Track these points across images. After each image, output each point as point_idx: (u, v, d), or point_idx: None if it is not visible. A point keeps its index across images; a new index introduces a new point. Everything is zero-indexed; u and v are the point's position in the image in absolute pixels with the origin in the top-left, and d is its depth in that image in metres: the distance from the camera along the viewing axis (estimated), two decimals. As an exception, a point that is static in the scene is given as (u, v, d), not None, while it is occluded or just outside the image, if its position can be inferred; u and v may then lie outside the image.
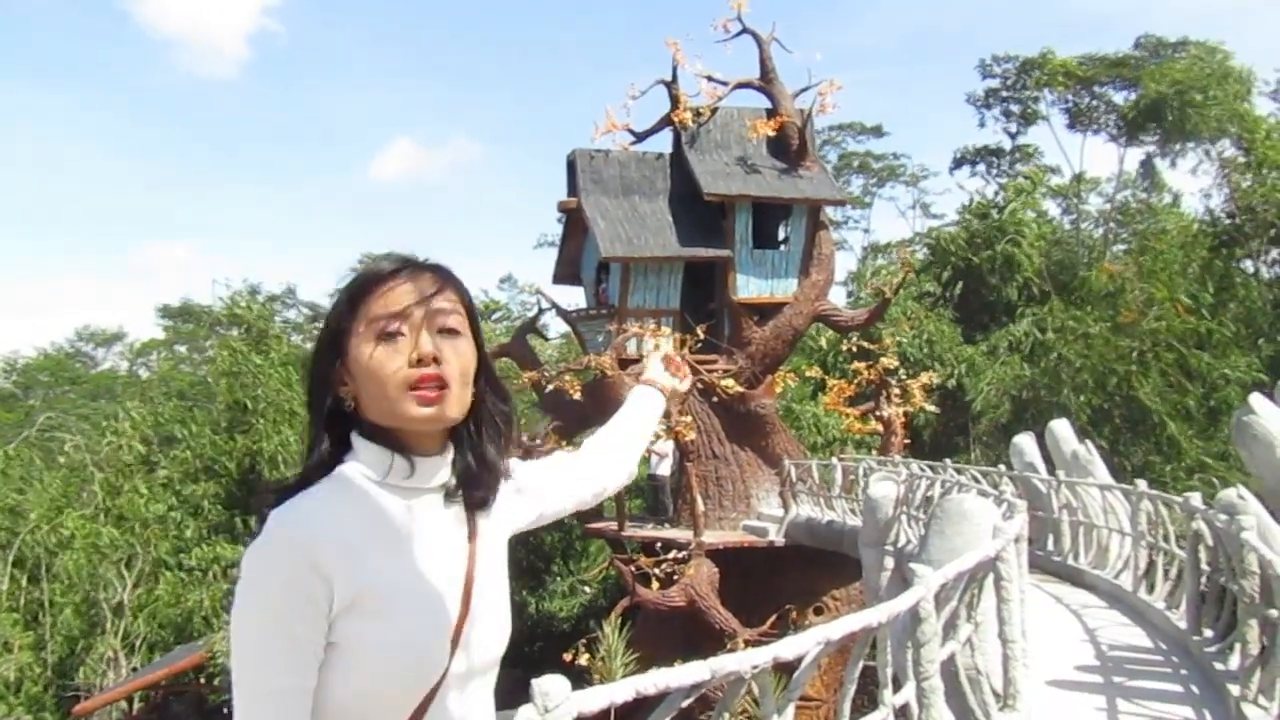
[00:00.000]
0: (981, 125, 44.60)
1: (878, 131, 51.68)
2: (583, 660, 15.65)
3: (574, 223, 21.09)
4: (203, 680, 19.88)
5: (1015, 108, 42.76)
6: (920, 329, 29.03)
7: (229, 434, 27.08)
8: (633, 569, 16.16)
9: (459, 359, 1.46)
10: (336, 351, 1.45)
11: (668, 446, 18.81)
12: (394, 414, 1.42)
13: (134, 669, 23.39)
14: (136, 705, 22.29)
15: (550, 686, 2.62)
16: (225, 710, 18.25)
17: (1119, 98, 41.44)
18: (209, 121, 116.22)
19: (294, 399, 29.23)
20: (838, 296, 40.86)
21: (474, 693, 1.50)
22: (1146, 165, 38.88)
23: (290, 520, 1.37)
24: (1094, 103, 41.98)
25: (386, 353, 1.41)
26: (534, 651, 22.35)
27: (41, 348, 57.26)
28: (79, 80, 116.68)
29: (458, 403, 1.45)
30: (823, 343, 29.66)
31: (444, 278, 1.50)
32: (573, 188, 20.63)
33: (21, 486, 27.26)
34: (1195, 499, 8.59)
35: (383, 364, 1.41)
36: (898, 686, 4.35)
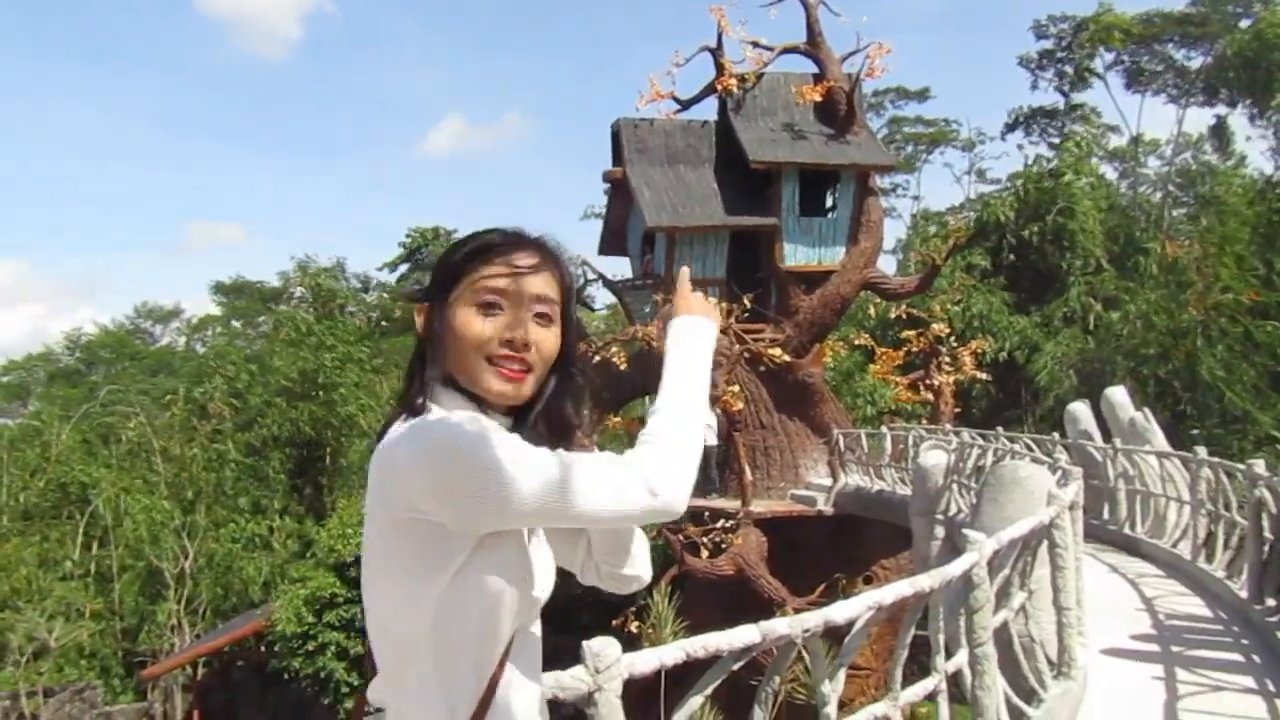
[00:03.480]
0: (1034, 88, 43.60)
1: (923, 96, 50.62)
2: (632, 628, 15.79)
3: (619, 193, 21.01)
4: (263, 647, 20.40)
5: (1069, 69, 41.64)
6: (967, 303, 28.49)
7: (289, 407, 27.59)
8: (681, 538, 16.21)
9: (545, 346, 1.51)
10: (443, 301, 1.51)
11: (711, 417, 18.79)
12: (471, 378, 1.48)
13: (197, 635, 24.11)
14: (200, 670, 22.97)
15: (601, 648, 2.64)
16: (285, 676, 18.73)
17: (1180, 55, 40.18)
18: (263, 101, 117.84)
19: (356, 370, 29.72)
20: (886, 265, 40.43)
21: (537, 631, 1.59)
22: (1218, 127, 37.51)
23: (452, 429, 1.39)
24: (1153, 62, 40.73)
25: (482, 321, 1.47)
26: (584, 620, 22.57)
27: (102, 324, 58.91)
28: (136, 62, 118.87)
29: (533, 385, 1.52)
30: (871, 311, 29.28)
31: (551, 261, 1.55)
32: (618, 157, 20.53)
33: (88, 460, 28.11)
34: (1259, 466, 8.37)
35: (476, 331, 1.47)
36: (950, 654, 4.31)
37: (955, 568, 3.93)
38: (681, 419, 1.50)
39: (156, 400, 37.97)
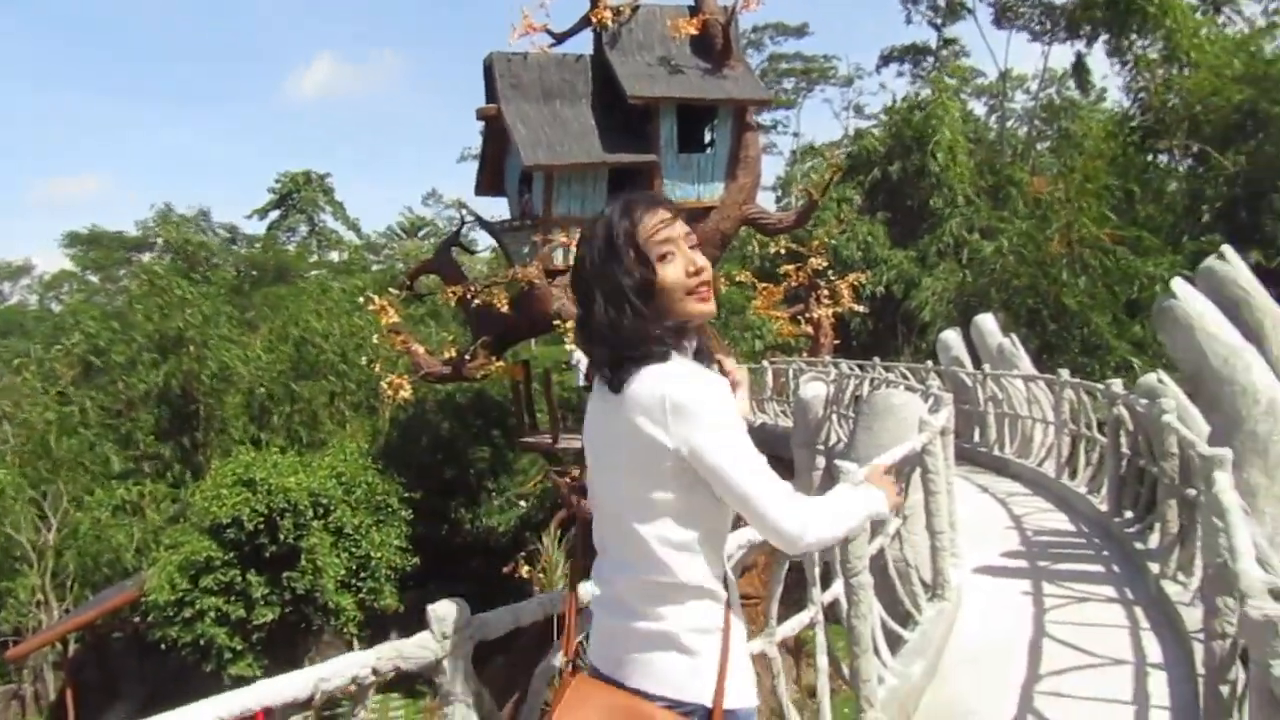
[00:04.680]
0: (908, 22, 44.22)
1: (801, 31, 50.85)
2: (523, 572, 15.70)
3: (495, 131, 20.30)
4: (138, 618, 19.49)
5: (941, 2, 42.36)
6: (853, 231, 28.92)
7: (156, 362, 26.16)
8: (568, 480, 16.11)
9: (708, 266, 1.92)
10: (643, 265, 1.86)
11: (578, 355, 18.67)
12: (681, 312, 1.87)
13: (66, 610, 22.88)
14: (73, 646, 21.82)
15: (447, 612, 2.43)
16: (164, 647, 17.96)
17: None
18: (117, 44, 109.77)
19: (226, 323, 28.40)
20: (767, 201, 40.54)
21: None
22: (1078, 64, 38.81)
23: (696, 373, 1.84)
24: (1020, -1, 41.73)
25: (669, 268, 1.86)
26: (474, 565, 22.34)
27: (-58, 283, 54.64)
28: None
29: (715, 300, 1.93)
30: (754, 247, 29.44)
31: (674, 209, 1.95)
32: (492, 94, 19.79)
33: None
34: (1116, 385, 8.71)
35: (670, 276, 1.86)
36: (826, 585, 4.27)
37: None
38: (841, 512, 1.95)
39: (7, 364, 35.51)
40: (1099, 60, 47.75)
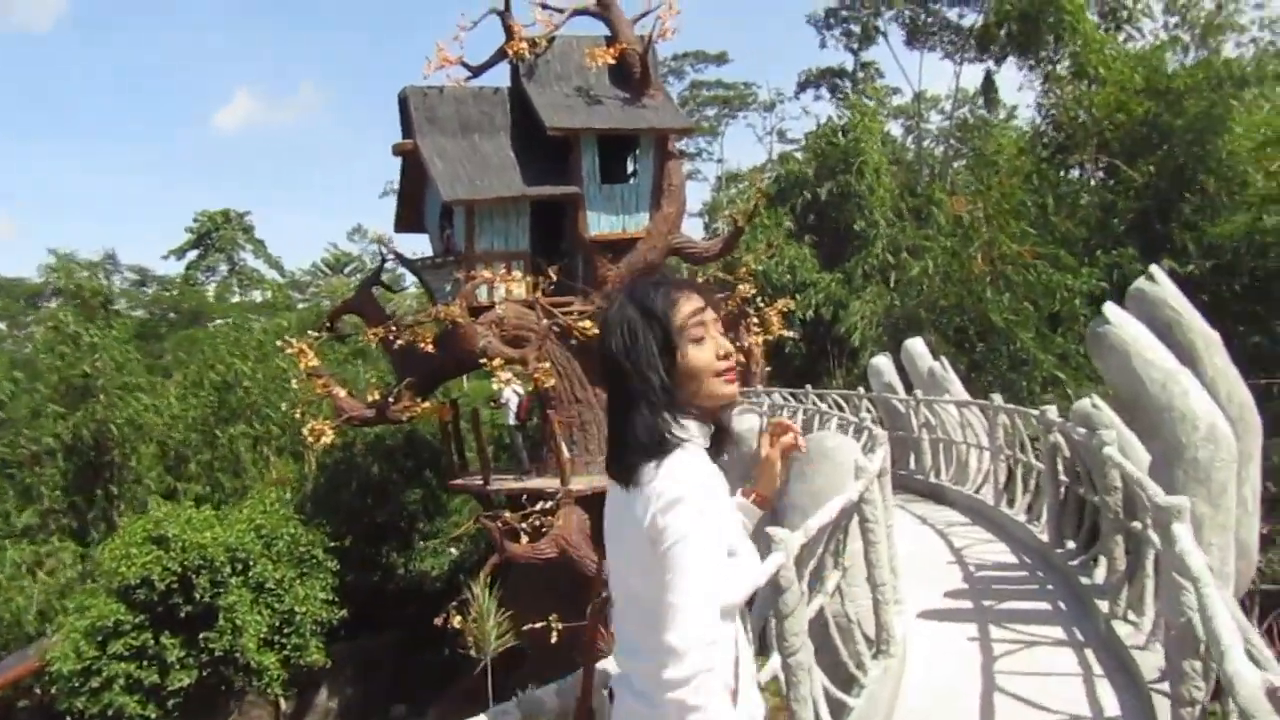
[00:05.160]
0: (822, 46, 44.83)
1: (721, 59, 51.32)
2: (455, 623, 15.04)
3: (413, 166, 19.77)
4: (39, 689, 18.27)
5: (855, 27, 43.05)
6: (781, 255, 28.91)
7: (62, 414, 24.85)
8: (499, 524, 15.52)
9: (733, 352, 1.97)
10: (669, 352, 1.89)
11: (508, 394, 18.17)
12: (709, 395, 1.91)
13: (-37, 681, 21.40)
14: (-28, 720, 20.39)
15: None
16: (69, 718, 16.83)
17: (953, 14, 42.32)
18: (26, 78, 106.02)
19: (137, 372, 27.27)
20: (694, 228, 40.49)
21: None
22: (987, 82, 39.72)
23: (695, 469, 1.83)
24: (930, 20, 42.67)
25: (700, 351, 1.91)
26: (409, 613, 21.51)
27: None
28: None
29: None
30: (683, 276, 29.17)
31: (707, 296, 1.99)
32: (408, 129, 19.27)
33: None
34: (1051, 411, 8.54)
35: (706, 359, 1.91)
36: (762, 656, 3.89)
37: (760, 575, 3.48)
38: None
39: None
40: (1011, 78, 49.11)
